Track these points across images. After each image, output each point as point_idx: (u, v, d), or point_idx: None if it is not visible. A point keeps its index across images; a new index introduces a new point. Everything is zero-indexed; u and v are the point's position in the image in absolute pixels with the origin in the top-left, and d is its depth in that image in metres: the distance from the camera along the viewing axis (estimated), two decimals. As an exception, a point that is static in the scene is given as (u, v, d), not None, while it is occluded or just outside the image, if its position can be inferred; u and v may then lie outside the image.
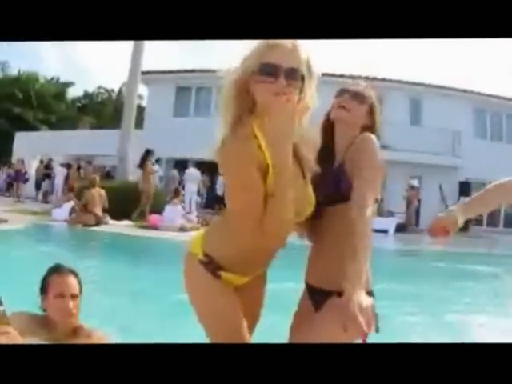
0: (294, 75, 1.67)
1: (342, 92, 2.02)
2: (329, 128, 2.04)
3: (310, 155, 1.84)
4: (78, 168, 19.99)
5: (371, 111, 2.02)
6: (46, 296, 2.49)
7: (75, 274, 2.56)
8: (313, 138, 1.91)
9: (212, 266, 1.84)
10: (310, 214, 1.83)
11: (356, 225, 1.68)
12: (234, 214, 1.79)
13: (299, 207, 1.76)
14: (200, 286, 1.88)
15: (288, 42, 1.68)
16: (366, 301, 1.51)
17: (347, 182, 1.84)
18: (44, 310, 2.52)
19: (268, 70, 1.66)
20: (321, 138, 2.02)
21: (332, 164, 1.98)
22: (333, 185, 1.88)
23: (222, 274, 1.85)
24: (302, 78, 1.70)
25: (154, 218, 12.13)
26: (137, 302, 5.28)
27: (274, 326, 2.20)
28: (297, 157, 1.78)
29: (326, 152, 1.99)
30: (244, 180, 1.67)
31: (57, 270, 2.54)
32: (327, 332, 1.79)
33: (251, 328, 1.98)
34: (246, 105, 1.74)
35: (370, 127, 2.00)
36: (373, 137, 1.89)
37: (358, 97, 1.99)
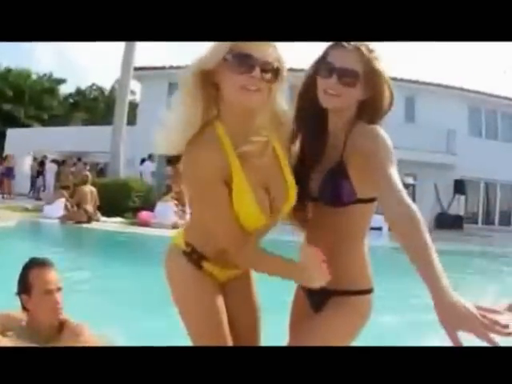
0: (269, 69, 1.58)
1: (326, 68, 1.68)
2: (321, 114, 1.74)
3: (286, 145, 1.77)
4: (74, 165, 19.85)
5: (368, 84, 1.68)
6: (29, 294, 2.34)
7: (52, 264, 2.44)
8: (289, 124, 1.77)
9: (195, 255, 1.78)
10: (291, 207, 1.75)
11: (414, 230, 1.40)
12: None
13: (278, 203, 1.70)
14: (182, 279, 1.80)
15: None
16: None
17: (348, 187, 1.66)
18: (26, 310, 2.38)
19: (242, 61, 1.55)
20: (309, 127, 1.77)
21: (322, 155, 1.75)
22: (331, 189, 1.68)
23: (205, 264, 1.78)
24: (276, 74, 1.61)
25: (144, 214, 12.08)
26: (129, 299, 5.23)
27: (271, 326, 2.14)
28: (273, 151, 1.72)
29: (320, 142, 1.76)
30: (208, 197, 1.61)
31: (37, 264, 2.40)
32: (332, 333, 1.72)
33: (253, 330, 1.93)
34: (211, 98, 1.64)
35: (370, 102, 1.71)
36: (377, 129, 1.65)
37: (347, 78, 1.65)
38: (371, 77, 1.68)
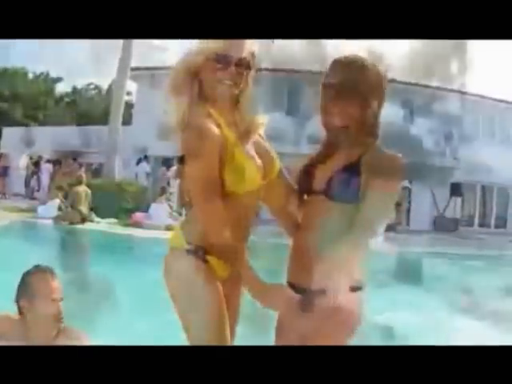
0: (244, 63, 1.85)
1: (326, 90, 1.87)
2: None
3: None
4: (69, 165, 19.80)
5: (364, 106, 1.84)
6: (31, 301, 2.31)
7: (55, 273, 2.42)
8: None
9: (200, 251, 1.84)
10: (276, 175, 1.94)
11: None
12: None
13: (266, 169, 1.88)
14: (189, 275, 1.84)
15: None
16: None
17: (356, 184, 1.79)
18: (24, 315, 2.34)
19: (221, 60, 1.82)
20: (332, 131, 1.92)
21: (337, 154, 1.90)
22: (341, 181, 1.81)
23: (209, 258, 1.84)
24: (249, 65, 1.88)
25: (138, 215, 12.13)
26: (122, 300, 5.20)
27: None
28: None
29: (338, 145, 1.92)
30: (207, 171, 1.75)
31: (42, 272, 2.38)
32: (321, 332, 1.76)
33: (233, 327, 1.99)
34: (197, 88, 1.87)
35: (368, 123, 1.86)
36: (402, 166, 1.83)
37: (338, 93, 1.83)
38: (366, 96, 1.82)
